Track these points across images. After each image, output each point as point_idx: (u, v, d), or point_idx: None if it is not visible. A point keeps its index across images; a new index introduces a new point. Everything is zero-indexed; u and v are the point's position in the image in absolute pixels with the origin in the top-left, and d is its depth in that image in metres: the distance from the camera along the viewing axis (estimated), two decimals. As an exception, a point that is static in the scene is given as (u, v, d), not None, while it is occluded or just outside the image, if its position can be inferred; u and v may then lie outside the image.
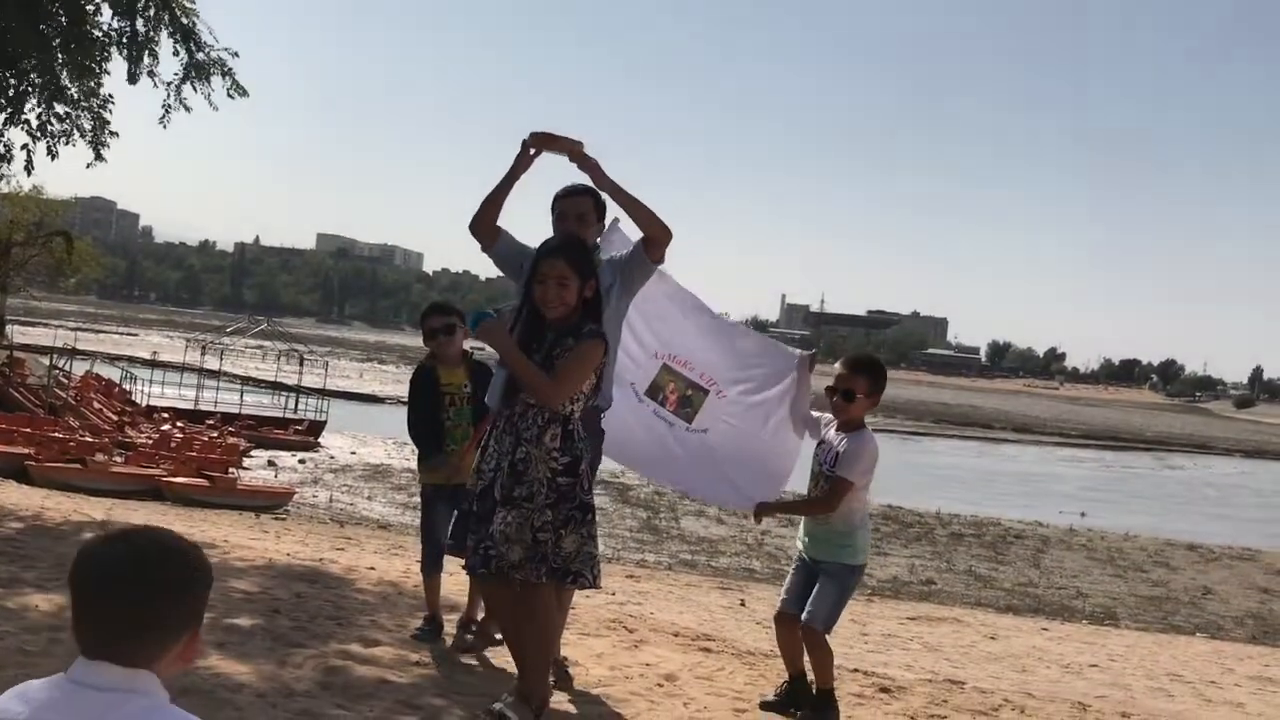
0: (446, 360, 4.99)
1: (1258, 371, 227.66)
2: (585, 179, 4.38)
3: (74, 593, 1.54)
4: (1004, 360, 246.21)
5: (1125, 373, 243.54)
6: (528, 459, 3.77)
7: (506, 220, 4.39)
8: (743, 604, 11.01)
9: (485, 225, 4.32)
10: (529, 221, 4.48)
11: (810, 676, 4.50)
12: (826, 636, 4.39)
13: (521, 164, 4.34)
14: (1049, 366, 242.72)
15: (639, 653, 5.13)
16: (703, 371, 4.84)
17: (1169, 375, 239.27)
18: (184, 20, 10.06)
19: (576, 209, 4.43)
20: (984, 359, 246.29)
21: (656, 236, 4.34)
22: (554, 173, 4.49)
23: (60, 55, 9.61)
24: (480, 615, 4.94)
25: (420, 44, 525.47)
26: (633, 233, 4.54)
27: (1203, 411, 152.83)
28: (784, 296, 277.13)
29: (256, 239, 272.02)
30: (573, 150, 4.31)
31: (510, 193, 4.34)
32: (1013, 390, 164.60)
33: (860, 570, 4.57)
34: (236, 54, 10.35)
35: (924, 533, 22.61)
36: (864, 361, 4.56)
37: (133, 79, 9.99)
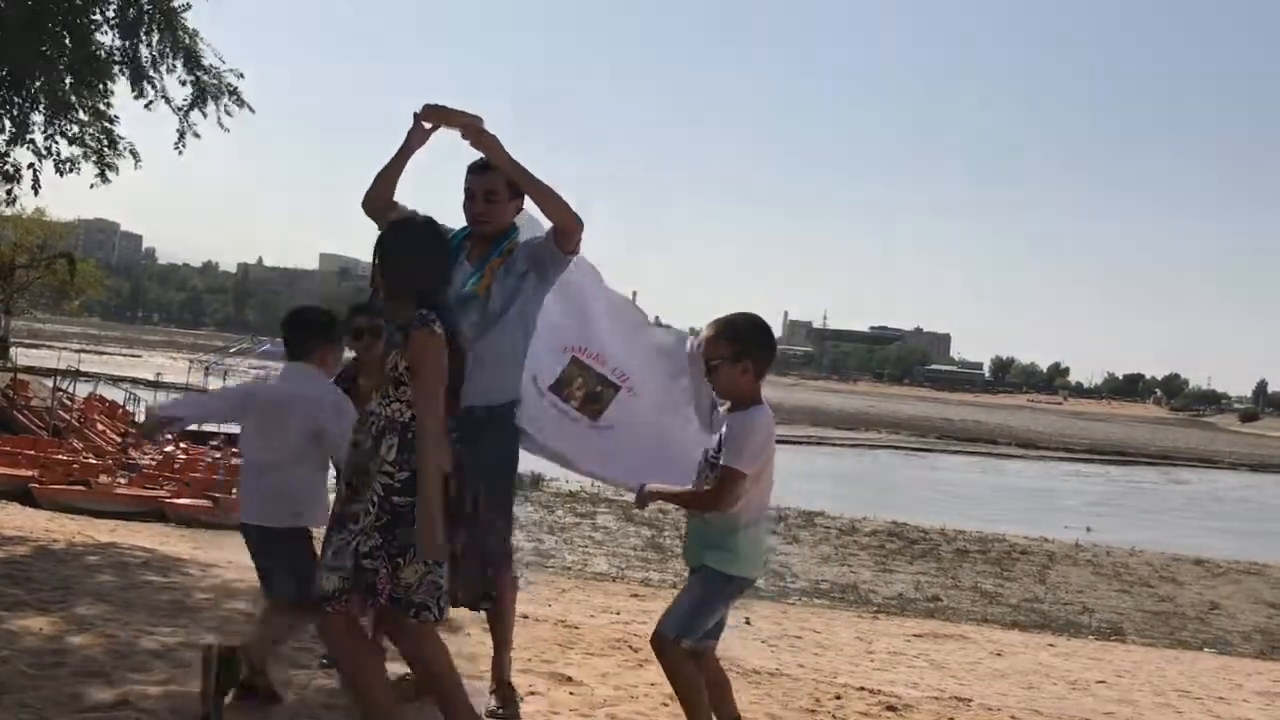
0: (373, 370, 4.12)
1: (1262, 385, 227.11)
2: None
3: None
4: (1007, 376, 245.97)
5: (1129, 387, 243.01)
6: (365, 472, 3.30)
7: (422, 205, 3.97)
8: (747, 622, 10.97)
9: (377, 202, 4.00)
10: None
11: None
12: (679, 646, 3.59)
13: (414, 139, 4.01)
14: (1052, 381, 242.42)
15: (644, 672, 5.10)
16: (615, 367, 4.50)
17: (1173, 389, 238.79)
18: (187, 41, 10.10)
19: (484, 185, 4.00)
20: (987, 374, 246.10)
21: (567, 226, 3.94)
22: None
23: (66, 77, 9.66)
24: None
25: (421, 63, 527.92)
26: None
27: (1207, 425, 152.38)
28: (786, 313, 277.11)
29: (259, 260, 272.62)
30: (468, 125, 3.95)
31: (403, 169, 4.02)
32: (1016, 405, 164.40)
33: (737, 583, 3.66)
34: (242, 75, 10.39)
35: (929, 549, 22.54)
36: (722, 323, 3.72)
37: (139, 95, 10.03)
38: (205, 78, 10.17)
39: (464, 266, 4.02)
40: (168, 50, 10.05)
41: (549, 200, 3.93)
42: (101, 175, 10.39)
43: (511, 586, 4.16)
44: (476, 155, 4.05)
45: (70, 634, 4.40)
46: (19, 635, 4.28)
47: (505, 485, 4.05)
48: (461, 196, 4.10)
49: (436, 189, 4.44)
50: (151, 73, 10.05)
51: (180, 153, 10.29)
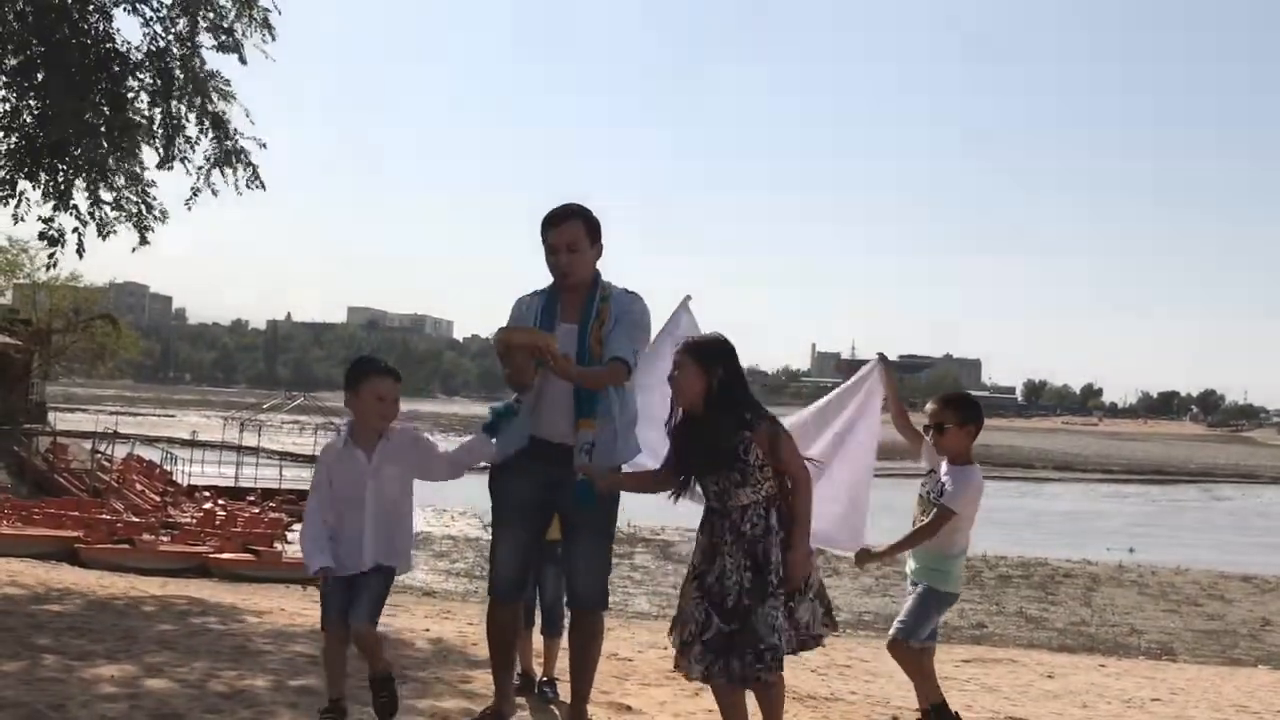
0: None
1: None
2: (573, 198, 4.01)
3: None
4: (1040, 398, 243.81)
5: (1164, 405, 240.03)
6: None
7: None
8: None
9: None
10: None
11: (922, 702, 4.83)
12: (910, 647, 4.70)
13: (521, 376, 3.79)
14: (1086, 402, 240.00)
15: (700, 699, 5.14)
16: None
17: (1209, 405, 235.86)
18: (211, 109, 10.30)
19: (566, 238, 3.92)
20: (1020, 398, 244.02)
21: (618, 384, 3.97)
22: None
23: (105, 143, 9.88)
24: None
25: (447, 116, 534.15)
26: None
27: (1247, 440, 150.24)
28: (814, 345, 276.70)
29: (288, 315, 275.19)
30: (539, 349, 3.72)
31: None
32: (1051, 428, 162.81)
33: (950, 599, 4.85)
34: (264, 145, 10.56)
35: (971, 576, 22.35)
36: (952, 395, 4.88)
37: (166, 163, 10.24)
38: (228, 143, 10.35)
39: (562, 329, 3.95)
40: (196, 114, 10.26)
41: (603, 384, 3.91)
42: (142, 238, 10.58)
43: (599, 629, 4.29)
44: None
45: (142, 679, 4.51)
46: (93, 682, 4.40)
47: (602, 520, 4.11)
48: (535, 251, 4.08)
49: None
50: (179, 137, 10.26)
51: (189, 209, 10.45)
